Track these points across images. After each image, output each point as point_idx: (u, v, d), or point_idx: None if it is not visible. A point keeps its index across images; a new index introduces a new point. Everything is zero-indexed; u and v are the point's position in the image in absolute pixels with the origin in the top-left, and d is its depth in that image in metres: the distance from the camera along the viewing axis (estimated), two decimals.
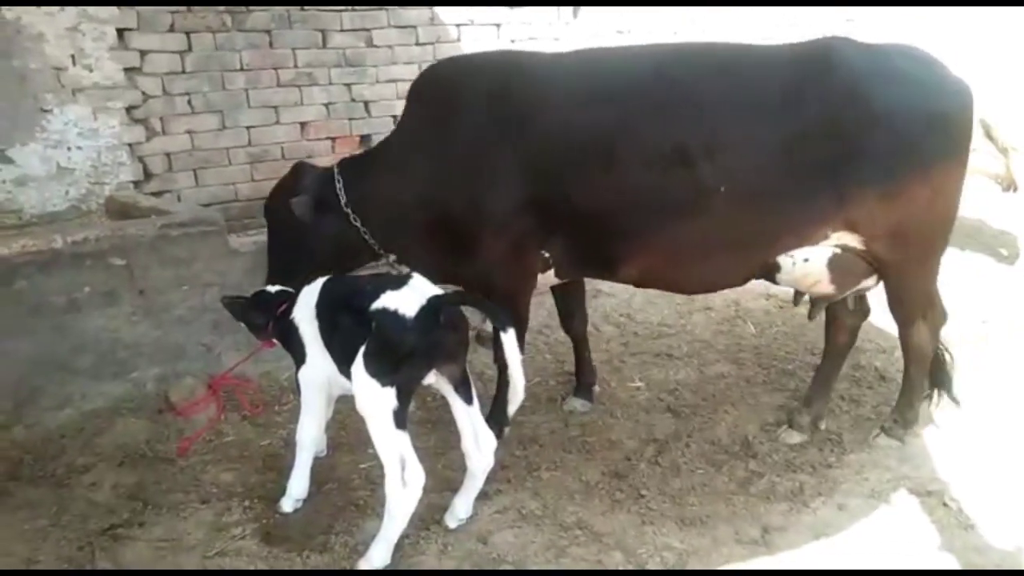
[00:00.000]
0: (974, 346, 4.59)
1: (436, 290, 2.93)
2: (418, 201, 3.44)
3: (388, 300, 2.79)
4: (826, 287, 3.39)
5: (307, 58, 5.31)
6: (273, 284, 3.43)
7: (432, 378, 2.93)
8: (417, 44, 5.70)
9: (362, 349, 2.77)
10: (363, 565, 2.83)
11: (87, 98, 4.58)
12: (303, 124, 5.41)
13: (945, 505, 3.24)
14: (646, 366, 4.59)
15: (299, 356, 3.15)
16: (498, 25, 6.00)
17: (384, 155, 3.66)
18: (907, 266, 3.32)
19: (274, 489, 3.30)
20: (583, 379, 4.14)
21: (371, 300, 2.80)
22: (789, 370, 4.51)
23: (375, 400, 2.74)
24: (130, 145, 4.79)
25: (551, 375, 4.46)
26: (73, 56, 4.50)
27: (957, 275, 5.68)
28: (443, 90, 3.47)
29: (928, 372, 3.65)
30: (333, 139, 5.52)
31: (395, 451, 2.78)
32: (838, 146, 3.04)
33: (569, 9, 6.32)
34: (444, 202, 3.36)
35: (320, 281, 3.12)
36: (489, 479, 3.36)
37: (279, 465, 3.48)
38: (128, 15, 4.62)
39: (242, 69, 5.10)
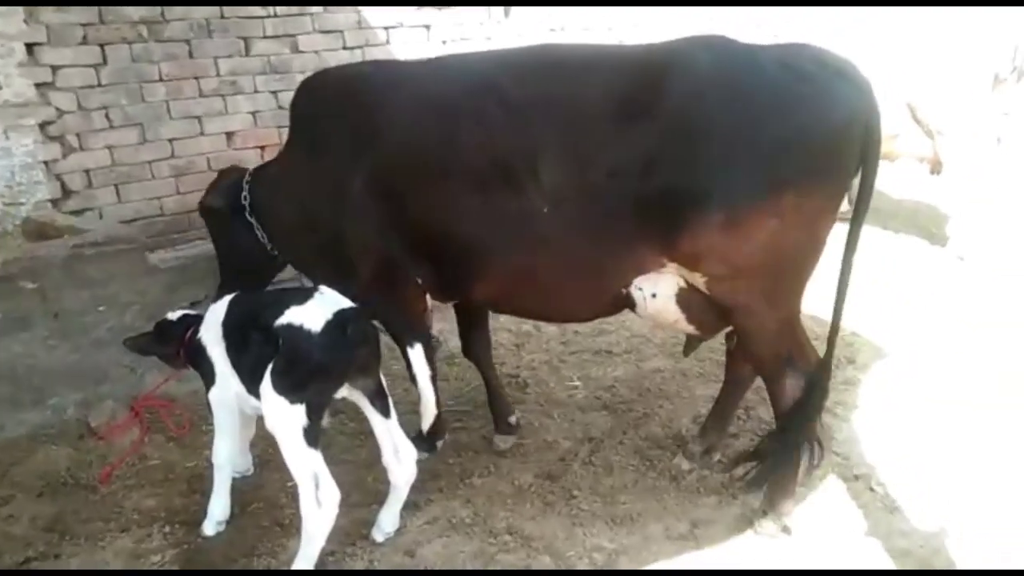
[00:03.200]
0: (902, 327, 4.66)
1: (345, 303, 2.86)
2: (300, 217, 3.39)
3: (293, 315, 2.72)
4: (686, 326, 3.04)
5: (230, 66, 5.19)
6: (224, 288, 3.44)
7: (346, 391, 2.88)
8: (345, 48, 5.61)
9: (269, 367, 2.71)
10: None
11: None
12: (229, 134, 5.28)
13: (872, 490, 3.28)
14: (585, 364, 4.58)
15: (208, 377, 3.08)
16: (428, 27, 5.93)
17: (277, 170, 3.63)
18: (755, 311, 2.83)
19: (198, 512, 3.21)
20: (497, 412, 3.76)
21: (276, 316, 2.73)
22: (723, 361, 4.52)
23: (284, 419, 2.68)
24: (46, 163, 4.63)
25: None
26: None
27: (888, 255, 5.79)
28: (307, 106, 3.39)
29: (806, 434, 3.02)
30: (262, 148, 5.39)
31: (307, 469, 2.72)
32: (670, 166, 2.62)
33: (500, 9, 6.28)
34: (317, 222, 3.31)
35: (226, 299, 3.04)
36: (420, 489, 3.33)
37: (204, 487, 3.38)
38: (37, 30, 4.47)
39: (161, 80, 4.96)
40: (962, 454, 3.45)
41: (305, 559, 2.78)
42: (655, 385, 4.30)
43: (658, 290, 2.90)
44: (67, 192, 4.75)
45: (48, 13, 4.50)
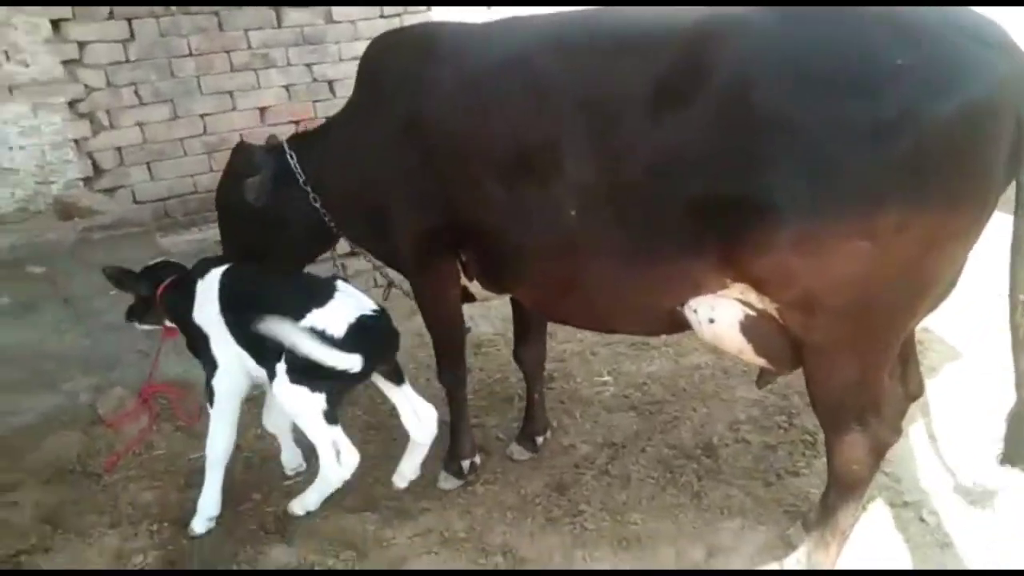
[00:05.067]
0: (986, 326, 4.12)
1: (363, 302, 2.82)
2: (357, 184, 3.09)
3: (315, 319, 2.66)
4: (753, 358, 2.44)
5: (261, 39, 5.03)
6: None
7: None
8: (382, 17, 5.37)
9: (283, 363, 2.66)
10: (294, 507, 3.00)
11: (25, 95, 4.39)
12: (262, 109, 5.15)
13: (922, 520, 2.87)
14: (618, 358, 4.25)
15: (209, 363, 2.96)
16: None
17: (333, 131, 3.30)
18: (831, 353, 2.23)
19: (190, 511, 3.09)
20: (528, 426, 3.46)
21: (297, 316, 2.65)
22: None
23: (302, 404, 2.69)
24: (76, 141, 4.60)
25: (513, 371, 4.15)
26: (6, 52, 4.31)
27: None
28: (370, 68, 3.11)
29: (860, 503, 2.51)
30: (296, 122, 5.23)
31: (327, 441, 2.75)
32: (724, 165, 2.07)
33: None
34: (370, 189, 3.03)
35: (214, 274, 2.93)
36: (417, 494, 3.15)
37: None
38: (62, 6, 4.40)
39: (191, 54, 4.85)
40: None
41: (300, 505, 2.95)
42: (692, 384, 3.94)
43: (717, 315, 2.36)
44: (99, 170, 4.72)
45: None
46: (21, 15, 4.30)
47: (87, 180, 4.67)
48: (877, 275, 2.02)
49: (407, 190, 2.86)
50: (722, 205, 2.10)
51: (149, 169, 4.88)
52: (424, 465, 3.15)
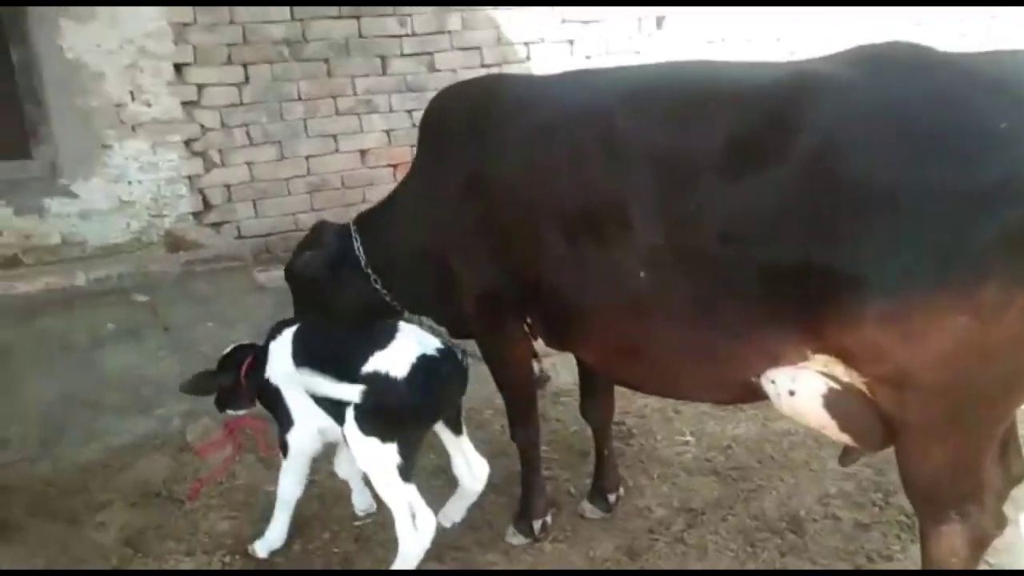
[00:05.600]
0: None
1: (427, 341, 2.79)
2: (421, 246, 3.08)
3: (378, 362, 2.67)
4: (838, 434, 2.25)
5: (366, 85, 5.24)
6: None
7: None
8: (483, 65, 5.50)
9: (352, 410, 2.66)
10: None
11: (146, 133, 4.71)
12: (363, 152, 5.34)
13: None
14: (702, 417, 4.09)
15: (284, 418, 3.00)
16: (571, 41, 5.68)
17: (396, 198, 3.35)
18: (930, 432, 2.03)
19: None
20: (599, 482, 3.32)
21: (360, 361, 2.67)
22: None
23: (375, 458, 2.67)
24: (189, 177, 4.88)
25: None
26: (132, 92, 4.64)
27: None
28: (432, 124, 3.10)
29: None
30: (394, 166, 5.41)
31: (402, 502, 2.71)
32: (806, 232, 1.95)
33: (652, 18, 5.89)
34: (434, 249, 3.00)
35: (288, 332, 2.96)
36: (485, 545, 3.09)
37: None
38: (184, 50, 4.71)
39: (300, 99, 5.10)
40: None
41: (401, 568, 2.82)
42: (780, 451, 3.74)
43: (797, 387, 2.17)
44: (208, 205, 4.98)
45: (196, 34, 4.72)
46: (148, 59, 4.61)
47: (197, 214, 4.94)
48: (978, 353, 1.85)
49: (471, 249, 2.83)
50: (803, 274, 1.97)
51: (254, 206, 5.11)
52: (496, 514, 3.10)
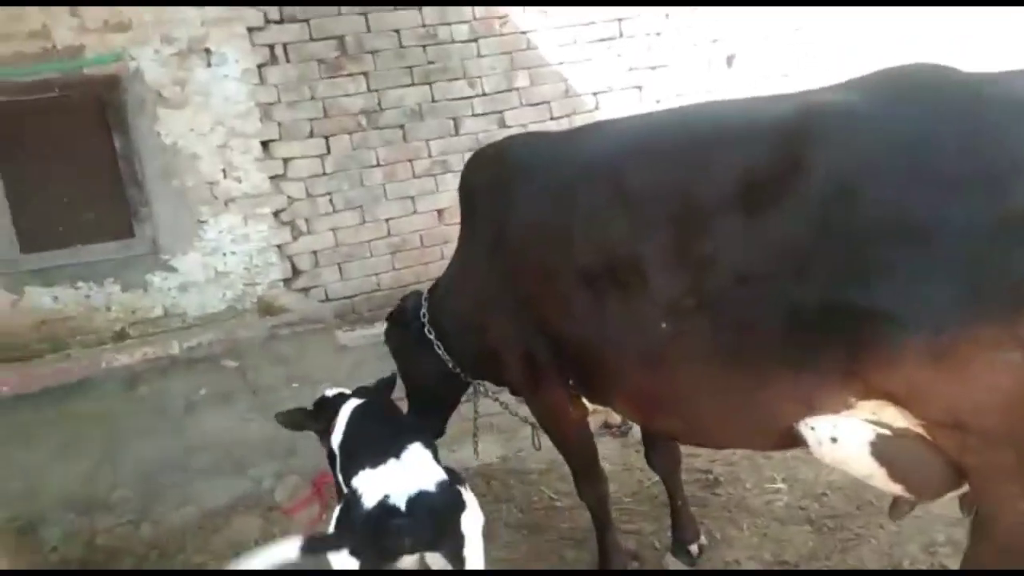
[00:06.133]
0: None
1: (418, 477, 2.56)
2: (467, 312, 3.12)
3: (361, 480, 2.56)
4: (888, 484, 2.11)
5: (441, 147, 5.40)
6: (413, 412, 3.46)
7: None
8: (552, 119, 5.58)
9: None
10: None
11: (238, 207, 4.99)
12: (440, 211, 5.47)
13: None
14: (793, 463, 3.89)
15: (338, 486, 3.02)
16: (639, 87, 5.70)
17: (450, 268, 3.43)
18: (998, 480, 1.87)
19: None
20: (678, 534, 3.24)
21: (357, 469, 2.62)
22: None
23: (340, 559, 2.45)
24: (278, 246, 5.12)
25: None
26: (224, 170, 4.94)
27: None
28: (467, 189, 3.18)
29: None
30: None
31: None
32: (828, 270, 1.86)
33: (723, 58, 5.84)
34: (477, 314, 3.03)
35: (350, 403, 3.02)
36: None
37: None
38: (270, 127, 5.00)
39: (378, 165, 5.30)
40: None
41: None
42: (880, 496, 3.49)
43: (840, 434, 2.04)
44: (296, 271, 5.21)
45: (280, 111, 5.01)
46: (237, 138, 4.92)
47: (286, 281, 5.16)
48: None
49: (503, 311, 2.83)
50: (829, 316, 1.88)
51: (340, 269, 5.30)
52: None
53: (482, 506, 3.87)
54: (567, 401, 2.85)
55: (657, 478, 3.89)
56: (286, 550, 2.51)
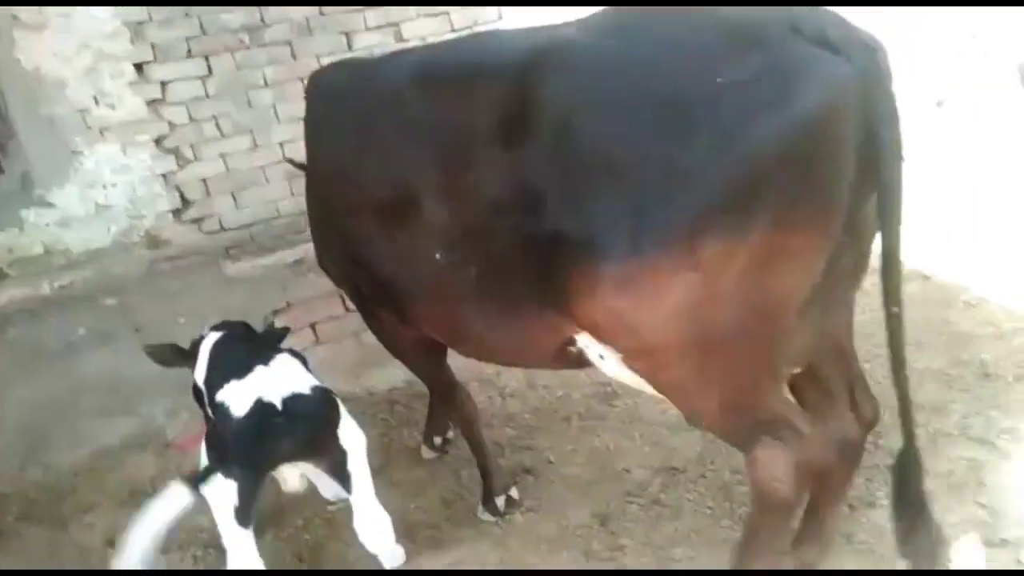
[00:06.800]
0: None
1: (288, 383, 2.57)
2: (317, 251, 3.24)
3: (228, 392, 2.56)
4: (657, 394, 2.25)
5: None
6: None
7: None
8: (452, 30, 5.33)
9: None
10: None
11: (115, 135, 4.66)
12: None
13: (1020, 562, 2.43)
14: None
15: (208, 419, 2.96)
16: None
17: None
18: (691, 394, 2.10)
19: None
20: (486, 484, 3.14)
21: (219, 385, 2.60)
22: (865, 369, 3.64)
23: (214, 490, 2.46)
24: (164, 175, 4.83)
25: (576, 388, 3.95)
26: (95, 97, 4.59)
27: None
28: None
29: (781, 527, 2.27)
30: None
31: (235, 545, 2.48)
32: (556, 202, 1.94)
33: None
34: (319, 253, 3.17)
35: (211, 337, 2.99)
36: (455, 520, 3.04)
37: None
38: (143, 49, 4.64)
39: (267, 85, 5.00)
40: None
41: None
42: None
43: (604, 352, 2.13)
44: (186, 202, 4.94)
45: (153, 30, 4.65)
46: (106, 61, 4.57)
47: (176, 212, 4.91)
48: (714, 307, 1.85)
49: (328, 243, 2.93)
50: (552, 247, 1.96)
51: (234, 198, 5.05)
52: (471, 490, 3.06)
53: (385, 431, 3.89)
54: (395, 325, 2.87)
55: (560, 394, 3.94)
56: (177, 498, 2.45)
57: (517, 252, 2.06)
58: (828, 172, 1.77)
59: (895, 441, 3.04)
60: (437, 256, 2.27)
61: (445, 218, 2.22)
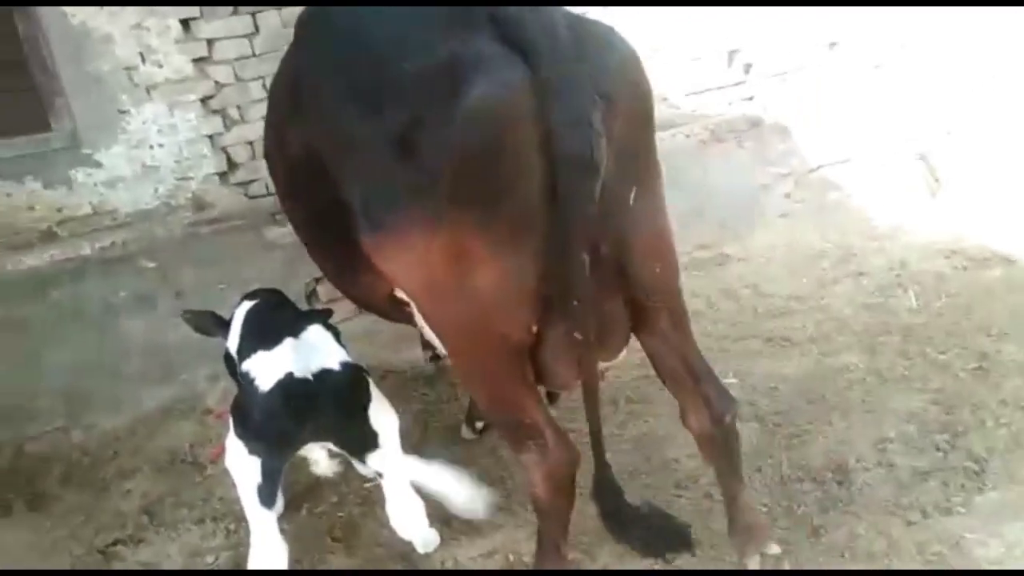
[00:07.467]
0: None
1: (316, 357, 2.48)
2: None
3: (255, 362, 2.48)
4: None
5: None
6: None
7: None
8: None
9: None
10: None
11: (161, 94, 4.59)
12: None
13: None
14: (752, 354, 3.73)
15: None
16: None
17: None
18: (464, 377, 2.40)
19: None
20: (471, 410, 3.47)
21: (249, 354, 2.51)
22: (942, 361, 3.40)
23: (239, 465, 2.40)
24: (210, 137, 4.75)
25: (623, 368, 3.74)
26: (141, 54, 4.51)
27: None
28: None
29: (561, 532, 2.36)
30: None
31: (258, 523, 2.42)
32: (332, 170, 2.12)
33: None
34: None
35: (245, 306, 2.88)
36: (494, 510, 2.87)
37: (296, 477, 3.23)
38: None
39: None
40: None
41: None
42: (834, 391, 3.35)
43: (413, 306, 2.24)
44: (232, 164, 4.86)
45: None
46: (152, 17, 4.47)
47: (222, 175, 4.83)
48: (427, 288, 1.99)
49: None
50: (348, 210, 2.06)
51: None
52: (509, 473, 2.92)
53: (424, 406, 3.76)
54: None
55: (608, 374, 3.74)
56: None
57: (332, 208, 2.14)
58: (494, 172, 1.79)
59: (973, 442, 2.82)
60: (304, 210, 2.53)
61: (285, 173, 2.53)
